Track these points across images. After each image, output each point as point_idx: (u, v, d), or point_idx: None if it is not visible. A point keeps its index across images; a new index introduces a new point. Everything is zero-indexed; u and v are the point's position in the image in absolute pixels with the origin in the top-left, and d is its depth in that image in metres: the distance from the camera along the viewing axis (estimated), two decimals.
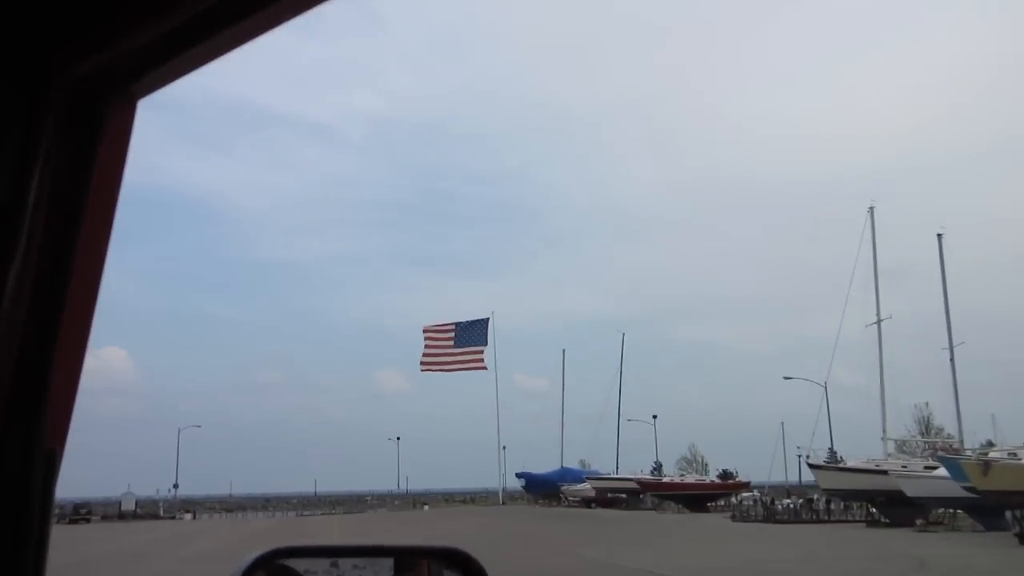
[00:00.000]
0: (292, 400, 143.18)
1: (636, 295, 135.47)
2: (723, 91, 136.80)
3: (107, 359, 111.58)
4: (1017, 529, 27.51)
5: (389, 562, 2.15)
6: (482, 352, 34.34)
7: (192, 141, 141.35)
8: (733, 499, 61.41)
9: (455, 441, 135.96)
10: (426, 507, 79.28)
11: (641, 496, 65.85)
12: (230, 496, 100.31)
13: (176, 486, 77.13)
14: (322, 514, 76.06)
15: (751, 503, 56.51)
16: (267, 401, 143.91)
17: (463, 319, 44.89)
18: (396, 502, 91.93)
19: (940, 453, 39.16)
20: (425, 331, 35.02)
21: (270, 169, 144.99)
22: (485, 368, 34.32)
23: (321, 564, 2.10)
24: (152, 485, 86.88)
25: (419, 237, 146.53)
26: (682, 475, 71.48)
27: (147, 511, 72.01)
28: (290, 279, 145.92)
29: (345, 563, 2.08)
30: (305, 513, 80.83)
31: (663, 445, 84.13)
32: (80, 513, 61.49)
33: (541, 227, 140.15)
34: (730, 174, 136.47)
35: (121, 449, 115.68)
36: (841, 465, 43.08)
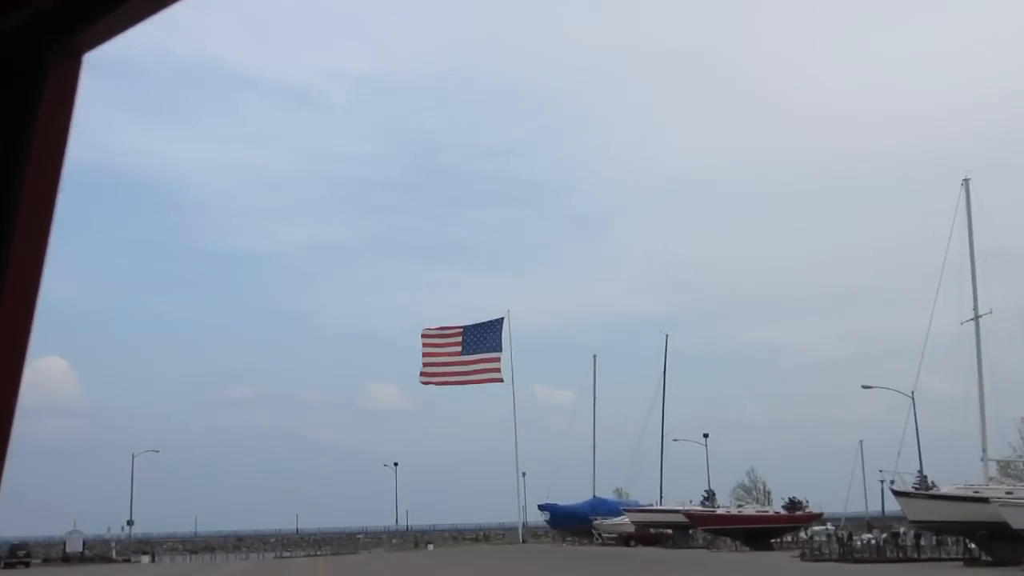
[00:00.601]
0: (268, 420, 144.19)
1: (683, 289, 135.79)
2: (794, 39, 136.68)
3: (46, 372, 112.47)
4: None
5: None
6: (496, 360, 34.23)
7: (145, 110, 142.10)
8: (802, 534, 61.12)
9: (464, 467, 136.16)
10: (430, 547, 79.24)
11: (690, 532, 65.84)
12: (195, 535, 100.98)
13: (131, 523, 77.68)
14: (305, 556, 76.07)
15: (824, 538, 56.21)
16: (238, 421, 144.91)
17: (472, 320, 48.64)
18: (394, 541, 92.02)
19: None
20: (425, 335, 34.93)
21: (238, 143, 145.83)
22: (500, 380, 34.15)
23: None
24: (103, 522, 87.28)
25: (418, 222, 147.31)
26: (740, 506, 71.57)
27: (97, 552, 72.47)
28: (264, 275, 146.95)
29: None
30: (285, 555, 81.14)
31: (716, 470, 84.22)
32: (17, 556, 61.83)
33: (566, 208, 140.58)
34: (797, 143, 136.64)
35: (65, 479, 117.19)
36: (933, 492, 42.73)
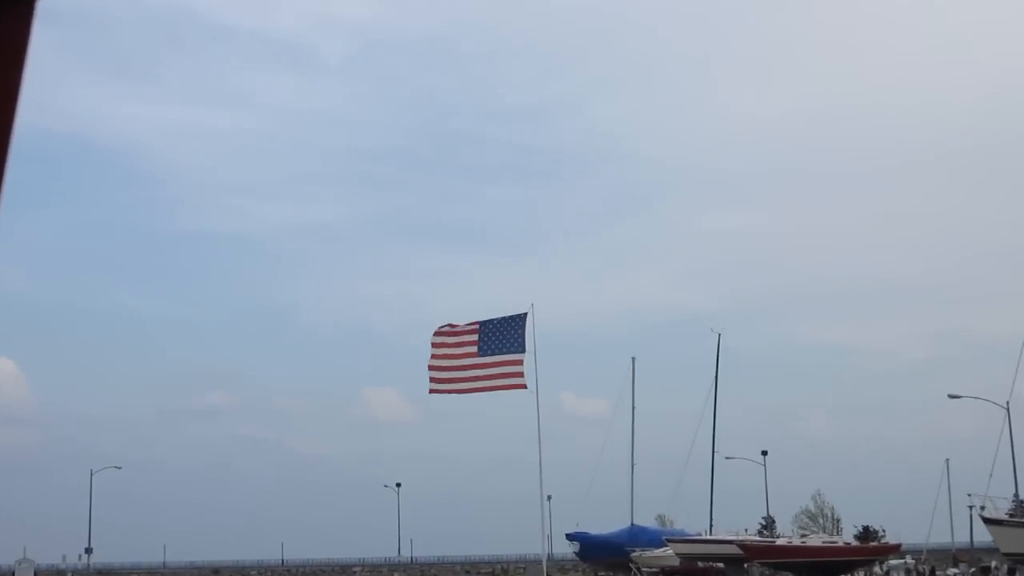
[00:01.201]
0: (248, 432, 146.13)
1: (737, 281, 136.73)
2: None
3: None
4: None
5: None
6: (519, 363, 34.96)
7: (104, 66, 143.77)
8: (877, 568, 61.77)
9: (479, 489, 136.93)
10: None
11: (745, 566, 66.62)
12: (164, 566, 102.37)
13: (89, 551, 79.06)
14: None
15: (902, 574, 56.85)
16: (214, 433, 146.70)
17: (488, 315, 50.24)
18: (396, 574, 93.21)
19: None
20: (437, 335, 35.68)
21: (214, 105, 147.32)
22: (523, 386, 34.89)
23: None
24: (57, 550, 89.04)
25: (425, 199, 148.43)
26: (804, 535, 72.22)
27: None
28: (243, 261, 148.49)
29: None
30: None
31: (776, 493, 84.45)
32: None
33: (598, 184, 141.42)
34: (872, 116, 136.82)
35: (13, 500, 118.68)
36: None
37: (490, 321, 37.43)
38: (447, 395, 37.23)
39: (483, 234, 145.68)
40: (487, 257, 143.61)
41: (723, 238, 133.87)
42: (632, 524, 79.67)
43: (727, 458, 76.52)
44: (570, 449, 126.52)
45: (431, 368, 36.12)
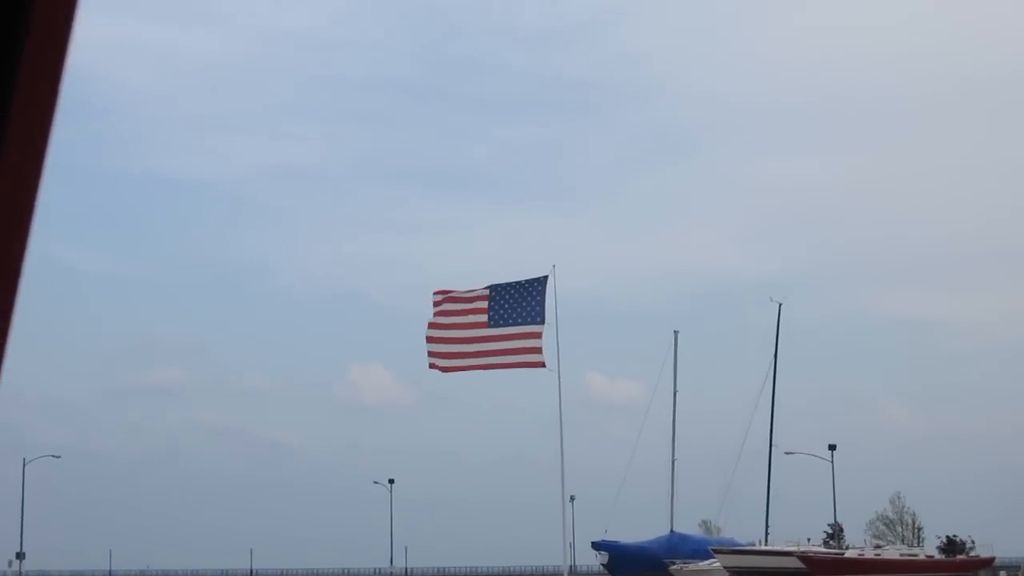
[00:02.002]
0: (209, 416, 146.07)
1: (800, 240, 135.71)
2: None
3: None
4: None
5: None
6: (537, 336, 34.64)
7: None
8: None
9: (487, 487, 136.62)
10: None
11: None
12: (109, 574, 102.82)
13: (21, 556, 79.21)
14: None
15: None
16: (168, 417, 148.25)
17: (502, 278, 50.08)
18: None
19: None
20: (438, 301, 35.42)
21: (175, 22, 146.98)
22: (542, 364, 34.64)
23: None
24: None
25: (426, 139, 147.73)
26: (878, 546, 71.83)
27: None
28: (206, 210, 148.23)
29: None
30: None
31: (846, 495, 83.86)
32: None
33: (635, 124, 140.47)
34: (962, 42, 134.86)
35: None
36: None
37: (503, 285, 37.01)
38: (450, 373, 36.88)
39: (495, 181, 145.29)
40: (500, 209, 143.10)
41: (784, 189, 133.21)
42: (672, 532, 79.42)
43: (787, 453, 75.99)
44: (597, 441, 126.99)
45: (430, 340, 35.67)
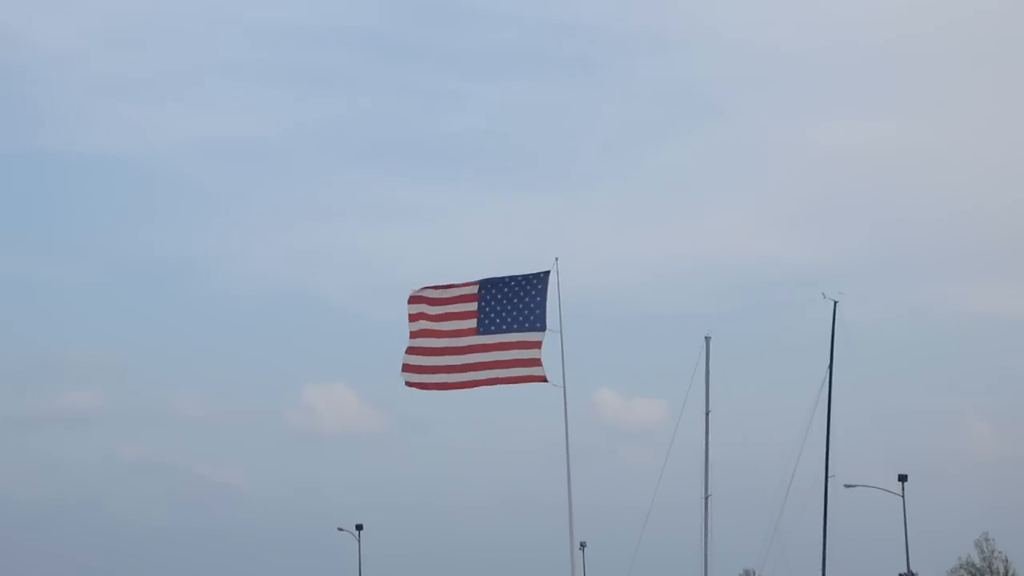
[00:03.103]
0: (130, 451, 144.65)
1: (859, 224, 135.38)
2: None
3: None
4: None
5: None
6: (536, 345, 34.30)
7: None
8: None
9: (477, 534, 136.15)
10: None
11: None
12: None
13: None
14: None
15: None
16: (79, 454, 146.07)
17: (491, 272, 48.57)
18: None
19: None
20: (415, 301, 35.14)
21: None
22: (543, 378, 34.27)
23: None
24: None
25: (396, 104, 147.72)
26: None
27: None
28: (121, 197, 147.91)
29: None
30: None
31: (921, 537, 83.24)
32: None
33: (654, 81, 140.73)
34: None
35: None
36: None
37: (495, 281, 36.62)
38: (430, 392, 36.69)
39: (483, 156, 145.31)
40: (488, 190, 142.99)
41: (834, 161, 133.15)
42: None
43: (847, 486, 75.67)
44: (612, 475, 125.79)
45: (408, 352, 35.52)
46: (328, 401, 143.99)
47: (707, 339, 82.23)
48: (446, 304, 36.20)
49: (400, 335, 36.22)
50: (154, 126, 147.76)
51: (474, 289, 35.83)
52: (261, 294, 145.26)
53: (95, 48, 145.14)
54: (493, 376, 36.06)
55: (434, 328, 35.71)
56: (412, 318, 35.66)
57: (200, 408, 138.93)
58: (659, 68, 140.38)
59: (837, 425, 75.98)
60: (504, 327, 35.90)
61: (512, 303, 36.43)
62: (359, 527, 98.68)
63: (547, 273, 36.33)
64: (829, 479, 74.77)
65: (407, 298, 35.62)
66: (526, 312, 36.11)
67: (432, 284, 36.07)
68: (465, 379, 36.73)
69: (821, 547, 74.71)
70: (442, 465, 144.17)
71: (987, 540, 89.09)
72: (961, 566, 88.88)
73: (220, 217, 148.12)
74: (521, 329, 35.72)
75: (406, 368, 35.25)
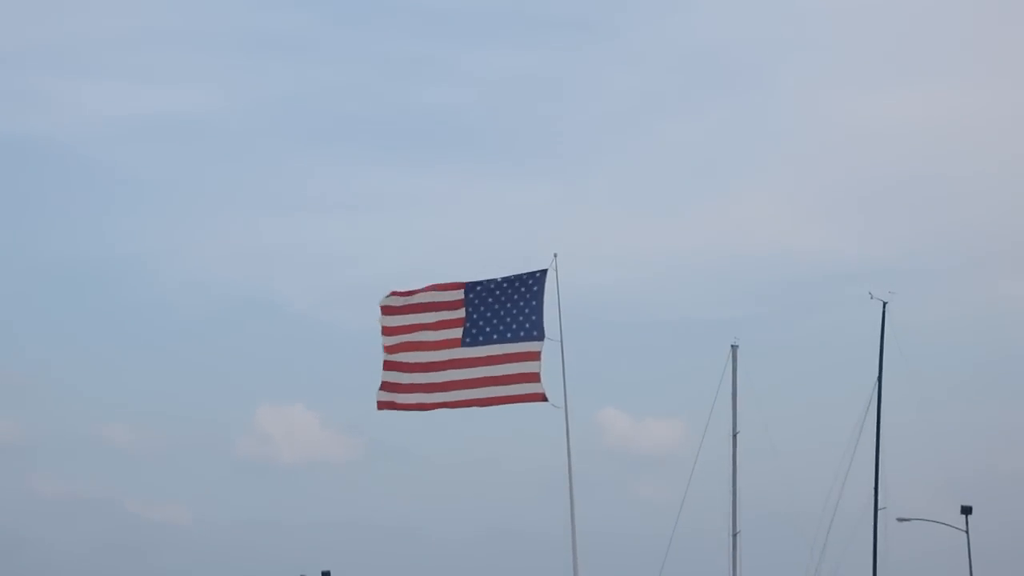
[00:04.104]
0: (55, 486, 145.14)
1: (906, 211, 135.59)
2: None
3: None
4: None
5: None
6: (534, 357, 34.75)
7: None
8: None
9: (463, 574, 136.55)
10: None
11: None
12: None
13: None
14: None
15: None
16: None
17: (479, 273, 48.26)
18: None
19: None
20: (389, 311, 35.56)
21: None
22: (541, 397, 34.66)
23: None
24: None
25: (360, 76, 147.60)
26: None
27: None
28: (41, 186, 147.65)
29: None
30: None
31: (987, 575, 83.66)
32: None
33: (661, 45, 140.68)
34: None
35: None
36: None
37: (483, 284, 37.02)
38: (408, 414, 36.98)
39: (468, 134, 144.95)
40: (474, 176, 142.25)
41: (889, 136, 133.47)
42: None
43: (901, 520, 76.39)
44: (621, 507, 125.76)
45: (385, 368, 35.77)
46: (287, 425, 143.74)
47: (733, 348, 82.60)
48: (426, 311, 36.41)
49: (372, 347, 36.34)
50: (75, 102, 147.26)
51: (459, 294, 35.99)
52: (206, 301, 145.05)
53: (9, 11, 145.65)
54: (482, 395, 36.19)
55: (412, 340, 35.98)
56: (386, 330, 35.86)
57: (134, 435, 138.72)
58: (674, 30, 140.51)
59: (888, 447, 76.26)
60: (495, 337, 36.07)
61: (504, 309, 36.60)
62: (325, 574, 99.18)
63: (544, 272, 36.53)
64: (879, 511, 75.17)
65: (379, 307, 35.85)
66: (520, 319, 36.30)
67: (408, 289, 36.36)
68: (449, 399, 36.85)
69: None
70: (421, 497, 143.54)
71: None
72: None
73: (156, 210, 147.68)
74: (515, 339, 35.89)
75: (386, 389, 35.40)
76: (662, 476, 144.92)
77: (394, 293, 35.58)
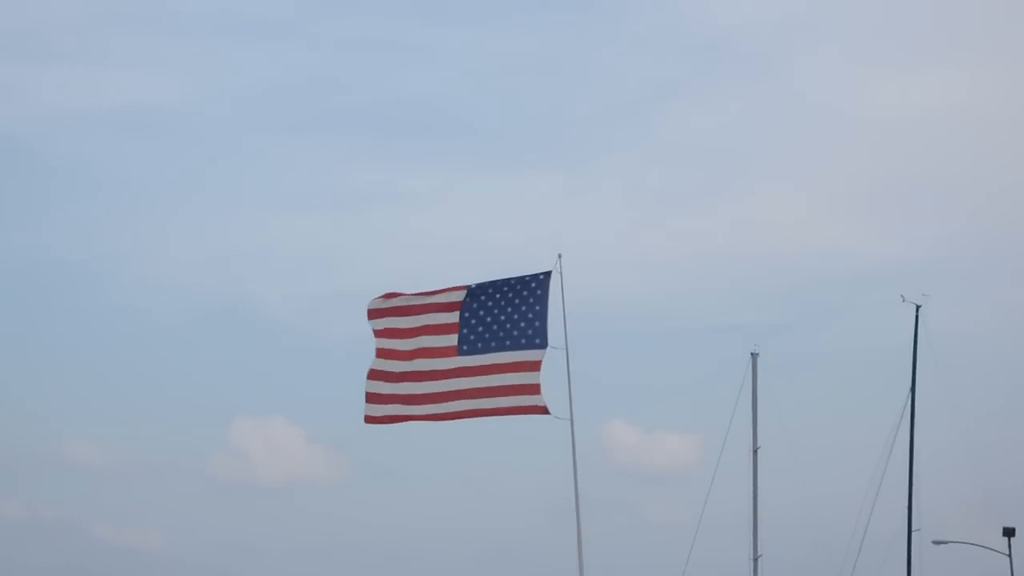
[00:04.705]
0: (11, 508, 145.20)
1: (938, 206, 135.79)
2: None
3: None
4: None
5: None
6: (534, 367, 35.17)
7: None
8: None
9: None
10: None
11: None
12: None
13: None
14: None
15: None
16: None
17: (475, 276, 48.76)
18: None
19: None
20: (379, 313, 35.96)
21: None
22: (544, 410, 35.05)
23: None
24: None
25: (342, 60, 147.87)
26: None
27: None
28: None
29: None
30: None
31: None
32: None
33: (673, 25, 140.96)
34: None
35: None
36: None
37: (481, 288, 37.40)
38: (397, 427, 37.21)
39: (460, 124, 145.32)
40: (470, 169, 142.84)
41: (924, 126, 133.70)
42: None
43: (936, 543, 76.81)
44: (630, 530, 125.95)
45: (370, 376, 36.02)
46: (266, 441, 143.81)
47: (753, 356, 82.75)
48: (419, 314, 36.59)
49: (359, 355, 36.46)
50: (25, 91, 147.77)
51: (457, 297, 36.26)
52: (176, 307, 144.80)
53: None
54: (479, 407, 36.34)
55: (403, 348, 36.10)
56: (378, 334, 36.00)
57: (98, 453, 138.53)
58: (688, 11, 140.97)
59: (922, 463, 76.42)
60: (493, 345, 36.19)
61: (504, 314, 36.74)
62: None
63: (548, 275, 36.67)
64: (913, 533, 75.38)
65: (369, 310, 35.94)
66: (522, 325, 36.46)
67: (400, 293, 36.49)
68: (442, 411, 37.03)
69: None
70: (412, 519, 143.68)
71: None
72: None
73: (118, 208, 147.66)
74: (515, 347, 36.01)
75: (372, 400, 35.50)
76: (675, 496, 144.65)
77: (383, 298, 35.82)
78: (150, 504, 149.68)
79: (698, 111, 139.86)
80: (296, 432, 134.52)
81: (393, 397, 35.40)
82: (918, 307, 76.55)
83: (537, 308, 35.25)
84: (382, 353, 35.24)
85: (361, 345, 35.36)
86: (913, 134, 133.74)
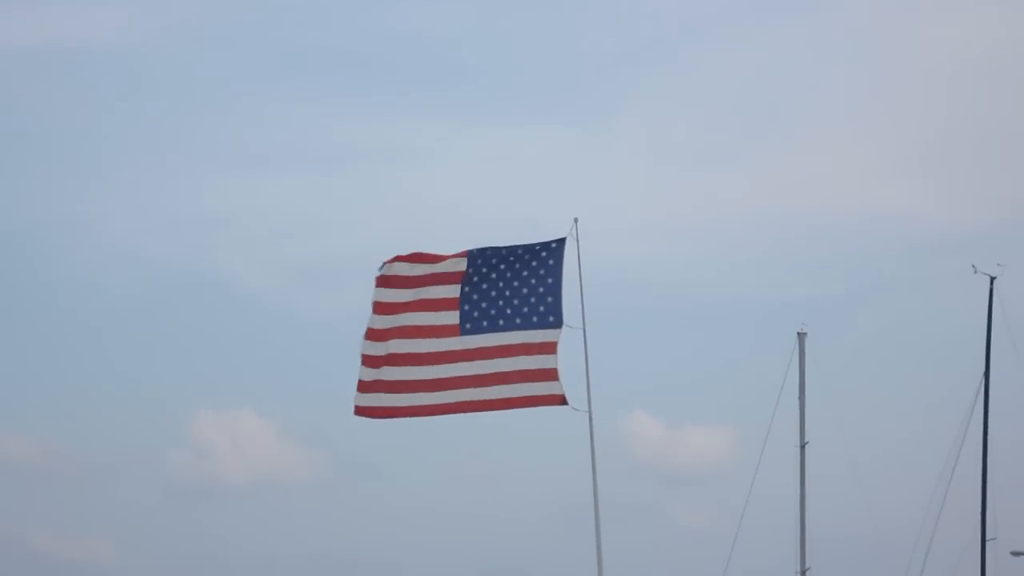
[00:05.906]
0: None
1: (1014, 165, 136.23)
2: None
3: None
4: None
5: None
6: (550, 348, 36.31)
7: None
8: None
9: None
10: None
11: None
12: None
13: None
14: None
15: None
16: None
17: (481, 241, 50.08)
18: None
19: None
20: (384, 283, 36.80)
21: None
22: (561, 400, 36.13)
23: None
24: None
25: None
26: None
27: None
28: None
29: None
30: None
31: None
32: None
33: None
34: None
35: None
36: None
37: (483, 256, 37.90)
38: (390, 421, 37.79)
39: (460, 68, 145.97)
40: (473, 120, 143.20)
41: (995, 68, 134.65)
42: None
43: (1015, 554, 77.80)
44: (654, 537, 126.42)
45: (364, 361, 36.46)
46: (232, 436, 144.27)
47: (800, 336, 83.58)
48: (415, 285, 37.05)
49: (341, 337, 37.38)
50: None
51: (458, 266, 36.66)
52: (130, 281, 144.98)
53: None
54: (488, 397, 36.95)
55: (399, 325, 36.69)
56: (378, 308, 36.24)
57: (39, 453, 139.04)
58: None
59: (997, 462, 77.23)
60: (501, 323, 36.77)
61: (511, 287, 37.35)
62: None
63: (562, 242, 37.33)
64: (988, 543, 76.48)
65: (375, 278, 36.13)
66: (533, 301, 37.10)
67: (398, 258, 36.68)
68: (440, 402, 37.63)
69: None
70: (404, 527, 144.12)
71: None
72: None
73: (63, 167, 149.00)
74: (527, 326, 36.52)
75: (364, 390, 35.76)
76: (705, 498, 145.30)
77: (398, 259, 35.88)
78: (98, 510, 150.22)
79: (735, 51, 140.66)
80: (266, 425, 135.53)
81: (388, 385, 35.96)
82: (992, 279, 77.13)
83: (549, 281, 35.69)
84: (381, 330, 35.68)
85: (343, 324, 36.23)
86: (989, 79, 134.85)
